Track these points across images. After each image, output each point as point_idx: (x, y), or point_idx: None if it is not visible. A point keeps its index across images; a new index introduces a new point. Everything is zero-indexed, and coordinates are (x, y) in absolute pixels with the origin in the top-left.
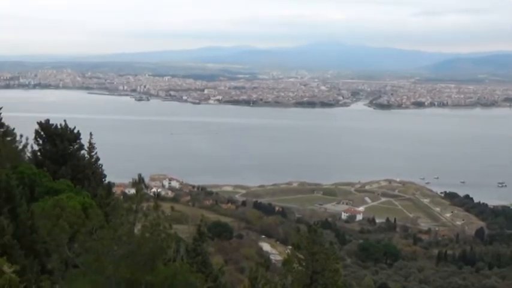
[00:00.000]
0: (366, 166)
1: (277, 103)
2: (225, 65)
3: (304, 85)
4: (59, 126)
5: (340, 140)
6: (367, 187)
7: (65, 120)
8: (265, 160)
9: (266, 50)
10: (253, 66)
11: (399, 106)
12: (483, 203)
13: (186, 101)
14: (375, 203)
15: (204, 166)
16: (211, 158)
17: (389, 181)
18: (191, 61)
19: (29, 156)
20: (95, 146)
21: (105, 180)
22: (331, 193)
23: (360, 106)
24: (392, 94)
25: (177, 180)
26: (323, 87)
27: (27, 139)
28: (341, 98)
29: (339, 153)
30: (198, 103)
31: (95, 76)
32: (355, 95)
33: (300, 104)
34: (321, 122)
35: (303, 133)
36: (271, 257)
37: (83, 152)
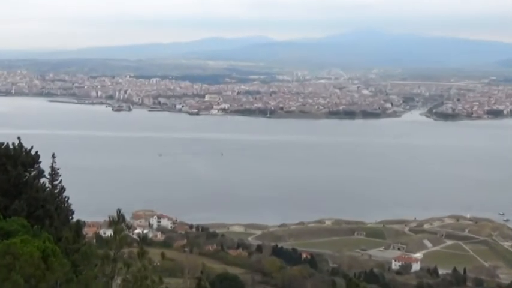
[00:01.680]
0: (425, 197)
1: (303, 113)
2: (232, 63)
3: (340, 88)
4: (11, 146)
5: (388, 163)
6: (426, 226)
7: (19, 138)
8: (288, 190)
9: (287, 42)
10: (269, 63)
11: (469, 116)
12: None
13: (180, 110)
14: (437, 248)
15: (204, 199)
16: (214, 187)
17: (457, 218)
18: (187, 57)
19: None
20: (59, 172)
21: (72, 218)
22: (377, 234)
23: (415, 116)
24: (459, 100)
25: (169, 218)
26: (365, 92)
27: None
28: (389, 105)
29: (387, 180)
30: (197, 113)
31: (59, 78)
32: (409, 101)
33: (334, 114)
34: (362, 138)
35: (338, 153)
36: None
37: (42, 180)
